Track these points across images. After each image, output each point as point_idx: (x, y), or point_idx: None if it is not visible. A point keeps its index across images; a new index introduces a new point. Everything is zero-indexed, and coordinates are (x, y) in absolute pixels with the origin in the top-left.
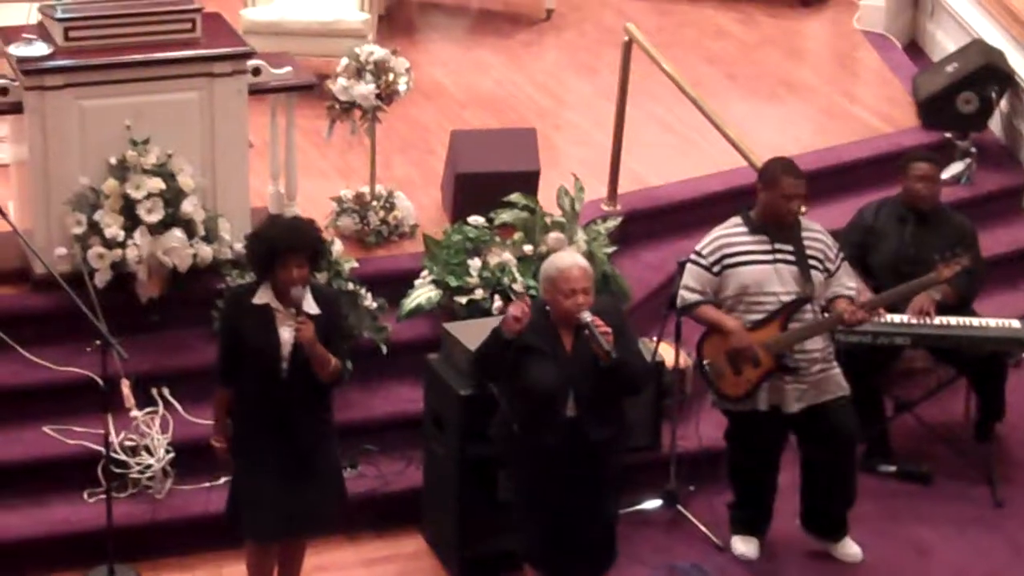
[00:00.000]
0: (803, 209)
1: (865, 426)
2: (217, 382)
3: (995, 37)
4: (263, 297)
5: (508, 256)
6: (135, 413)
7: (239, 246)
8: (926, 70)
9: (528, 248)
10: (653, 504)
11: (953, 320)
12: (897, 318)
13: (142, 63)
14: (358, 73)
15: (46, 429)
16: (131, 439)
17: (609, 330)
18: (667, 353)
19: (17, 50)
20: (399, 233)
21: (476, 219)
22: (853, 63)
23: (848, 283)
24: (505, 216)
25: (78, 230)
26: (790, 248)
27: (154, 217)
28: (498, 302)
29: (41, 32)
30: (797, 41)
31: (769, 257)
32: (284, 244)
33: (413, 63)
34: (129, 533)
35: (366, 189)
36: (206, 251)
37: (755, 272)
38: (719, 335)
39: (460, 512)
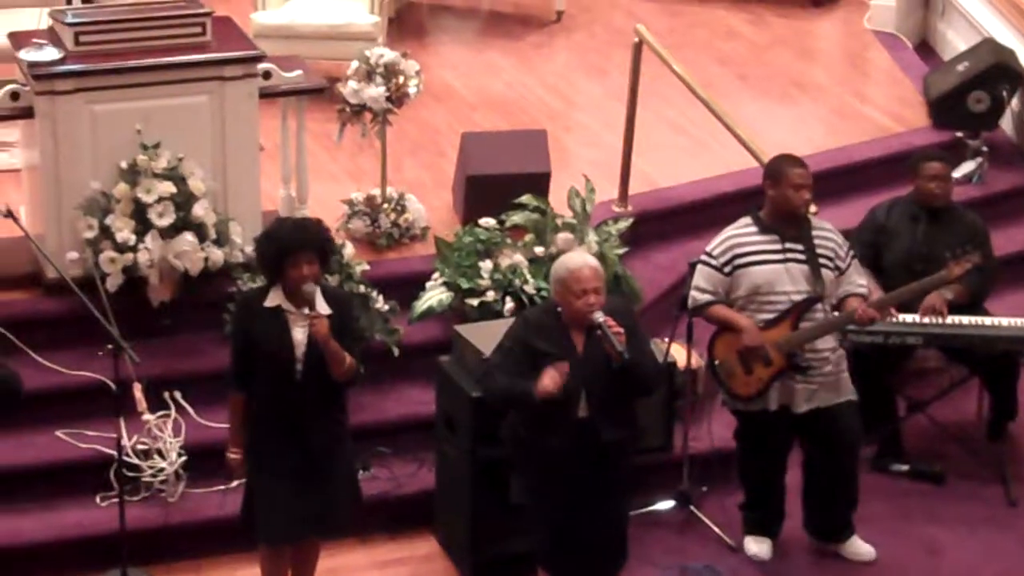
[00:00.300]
0: (813, 209)
1: (877, 426)
2: (230, 388)
3: (1006, 36)
4: (274, 300)
5: (519, 258)
6: (147, 417)
7: (250, 249)
8: (937, 69)
9: (539, 250)
10: (665, 505)
11: (965, 319)
12: (909, 318)
13: (153, 67)
14: (368, 76)
15: (58, 433)
16: (143, 443)
17: (622, 330)
18: (679, 354)
19: (28, 55)
20: (410, 235)
21: (487, 221)
22: (864, 63)
23: (859, 281)
24: (516, 218)
25: (89, 234)
26: (800, 247)
27: (165, 221)
28: (510, 304)
29: (52, 37)
30: (808, 41)
31: (780, 256)
32: (293, 242)
33: (423, 65)
34: (142, 537)
35: (377, 192)
36: (217, 255)
37: (766, 272)
38: (731, 334)
39: (473, 514)
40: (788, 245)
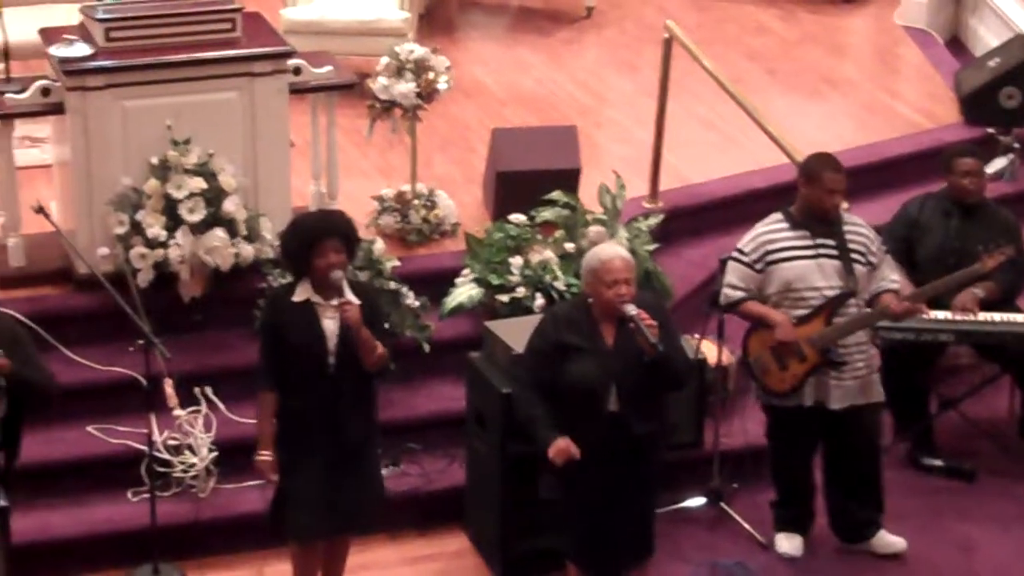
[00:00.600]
0: (845, 204)
1: (909, 424)
2: (260, 386)
3: None
4: (302, 293)
5: (549, 254)
6: (178, 412)
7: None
8: (968, 65)
9: (570, 246)
10: (697, 502)
11: (997, 316)
12: (941, 314)
13: (183, 63)
14: (398, 72)
15: (90, 429)
16: (174, 438)
17: (655, 323)
18: (709, 351)
19: (59, 51)
20: (440, 231)
21: (517, 217)
22: (894, 59)
23: (892, 276)
24: (546, 214)
25: (120, 230)
26: (832, 242)
27: (196, 217)
28: (540, 300)
29: (82, 33)
30: (838, 37)
31: (811, 252)
32: (318, 231)
33: (453, 61)
34: (173, 532)
35: (407, 188)
36: (248, 250)
37: (798, 267)
38: (764, 330)
39: (503, 510)
40: (819, 241)
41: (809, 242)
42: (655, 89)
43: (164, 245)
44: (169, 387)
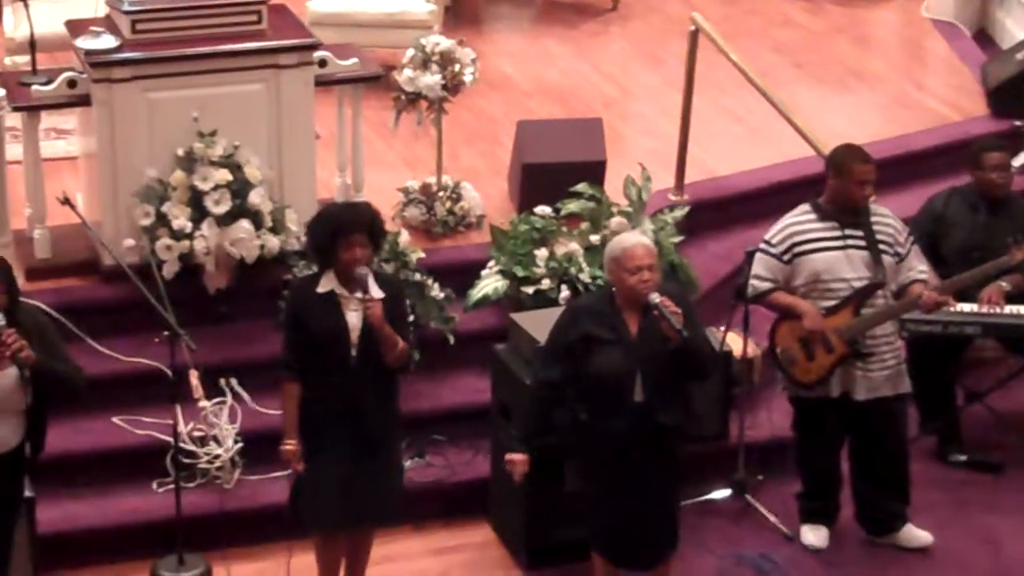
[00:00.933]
0: (873, 196)
1: (936, 417)
2: (283, 375)
3: None
4: (327, 284)
5: (575, 246)
6: (204, 403)
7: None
8: (995, 58)
9: (595, 238)
10: (722, 494)
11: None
12: (967, 307)
13: (209, 55)
14: (424, 64)
15: (115, 420)
16: (200, 429)
17: (679, 310)
18: (735, 343)
19: (85, 43)
20: (466, 223)
21: (543, 209)
22: (921, 51)
23: (920, 267)
24: (572, 206)
25: (146, 222)
26: (860, 233)
27: (221, 208)
28: (565, 292)
29: (109, 25)
30: (865, 29)
31: (839, 243)
32: (344, 224)
33: (479, 53)
34: (198, 523)
35: (433, 180)
36: (273, 242)
37: (826, 259)
38: (792, 321)
39: (527, 501)
40: (847, 232)
41: (837, 233)
42: (681, 81)
43: (190, 237)
44: (195, 378)
